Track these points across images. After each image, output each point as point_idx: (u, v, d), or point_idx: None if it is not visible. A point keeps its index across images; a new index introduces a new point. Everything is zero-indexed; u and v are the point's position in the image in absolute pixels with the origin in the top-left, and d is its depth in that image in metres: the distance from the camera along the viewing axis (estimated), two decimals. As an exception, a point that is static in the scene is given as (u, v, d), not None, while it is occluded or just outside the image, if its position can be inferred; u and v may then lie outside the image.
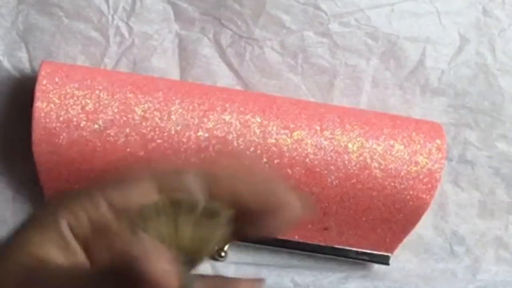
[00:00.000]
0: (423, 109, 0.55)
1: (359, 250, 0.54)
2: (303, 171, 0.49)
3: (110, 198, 0.26)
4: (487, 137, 0.55)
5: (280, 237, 0.53)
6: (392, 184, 0.50)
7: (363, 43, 0.53)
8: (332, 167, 0.49)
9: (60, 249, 0.25)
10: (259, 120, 0.49)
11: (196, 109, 0.49)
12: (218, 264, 0.53)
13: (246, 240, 0.54)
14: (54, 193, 0.51)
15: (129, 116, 0.48)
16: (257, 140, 0.49)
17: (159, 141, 0.48)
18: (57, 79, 0.48)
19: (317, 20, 0.52)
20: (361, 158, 0.49)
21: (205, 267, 0.54)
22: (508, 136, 0.56)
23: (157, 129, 0.48)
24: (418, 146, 0.50)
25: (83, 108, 0.48)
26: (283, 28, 0.52)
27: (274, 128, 0.49)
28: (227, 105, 0.49)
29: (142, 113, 0.48)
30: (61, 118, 0.47)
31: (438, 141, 0.50)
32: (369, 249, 0.54)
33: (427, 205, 0.50)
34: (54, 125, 0.47)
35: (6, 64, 0.51)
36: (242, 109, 0.49)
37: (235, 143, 0.49)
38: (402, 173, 0.50)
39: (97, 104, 0.48)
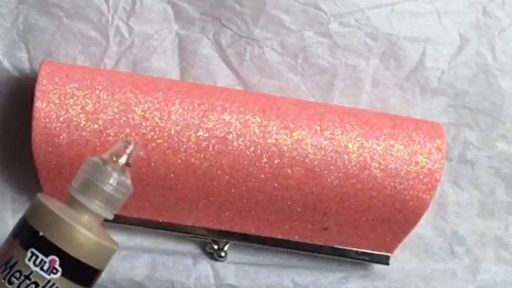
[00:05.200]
0: (423, 109, 0.55)
1: (359, 250, 0.54)
2: (303, 171, 0.49)
3: None
4: (487, 137, 0.56)
5: (280, 237, 0.53)
6: (392, 184, 0.50)
7: (363, 43, 0.53)
8: (332, 167, 0.49)
9: None
10: (259, 120, 0.49)
11: (196, 109, 0.49)
12: (218, 264, 0.53)
13: (246, 240, 0.54)
14: (54, 193, 0.51)
15: (129, 116, 0.48)
16: (257, 140, 0.49)
17: (159, 141, 0.48)
18: (57, 79, 0.48)
19: (317, 20, 0.52)
20: (361, 158, 0.49)
21: (205, 267, 0.55)
22: (508, 136, 0.56)
23: (157, 129, 0.48)
24: (418, 146, 0.50)
25: (83, 108, 0.48)
26: (283, 28, 0.52)
27: (274, 128, 0.49)
28: (227, 105, 0.49)
29: (142, 113, 0.48)
30: (61, 118, 0.47)
31: (438, 141, 0.50)
32: (369, 249, 0.54)
33: (427, 205, 0.50)
34: (54, 125, 0.47)
35: (6, 64, 0.52)
36: (242, 109, 0.49)
37: (235, 143, 0.49)
38: (402, 173, 0.50)
39: (97, 104, 0.48)
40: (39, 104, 0.47)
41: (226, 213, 0.51)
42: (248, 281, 0.53)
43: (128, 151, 0.39)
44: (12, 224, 0.54)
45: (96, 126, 0.48)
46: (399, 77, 0.54)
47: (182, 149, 0.48)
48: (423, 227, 0.56)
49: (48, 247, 0.35)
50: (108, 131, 0.48)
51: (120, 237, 0.54)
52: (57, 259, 0.35)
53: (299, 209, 0.51)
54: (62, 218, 0.35)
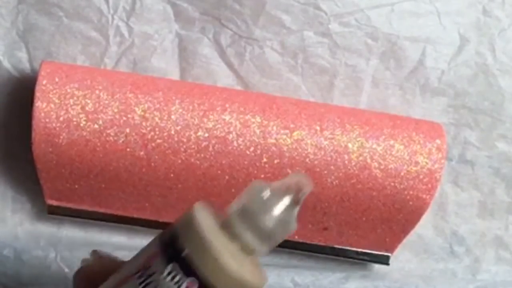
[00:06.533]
0: (423, 109, 0.55)
1: (359, 250, 0.54)
2: (303, 171, 0.49)
3: None
4: (487, 137, 0.56)
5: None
6: (392, 184, 0.50)
7: (363, 43, 0.53)
8: (332, 167, 0.49)
9: None
10: (259, 120, 0.49)
11: (196, 109, 0.49)
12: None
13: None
14: (54, 193, 0.51)
15: (129, 116, 0.48)
16: (257, 140, 0.49)
17: (159, 141, 0.48)
18: (57, 79, 0.48)
19: (317, 20, 0.52)
20: (361, 158, 0.49)
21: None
22: (508, 136, 0.56)
23: (157, 129, 0.48)
24: (418, 146, 0.50)
25: (83, 108, 0.48)
26: (283, 28, 0.52)
27: (274, 128, 0.49)
28: (227, 105, 0.49)
29: (142, 113, 0.48)
30: (61, 118, 0.47)
31: (438, 141, 0.50)
32: (369, 249, 0.54)
33: (427, 205, 0.50)
34: (54, 125, 0.47)
35: (6, 64, 0.52)
36: (242, 109, 0.49)
37: (235, 143, 0.49)
38: (402, 173, 0.50)
39: (97, 104, 0.48)
40: (39, 104, 0.47)
41: (226, 213, 0.51)
42: (248, 281, 0.53)
43: (301, 187, 0.33)
44: (12, 224, 0.54)
45: (96, 126, 0.48)
46: (399, 77, 0.54)
47: (182, 149, 0.48)
48: (423, 227, 0.56)
49: (189, 268, 0.32)
50: (108, 131, 0.48)
51: (120, 237, 0.55)
52: (196, 283, 0.31)
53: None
54: (211, 243, 0.32)
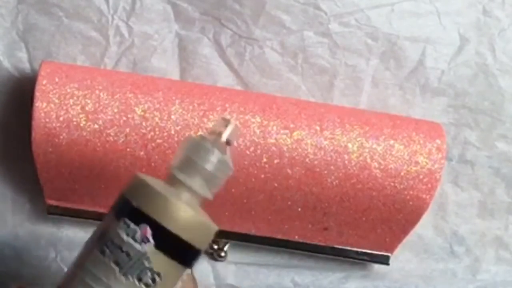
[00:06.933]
0: (423, 109, 0.55)
1: (359, 250, 0.54)
2: (303, 171, 0.49)
3: None
4: (487, 137, 0.56)
5: (280, 237, 0.53)
6: (392, 184, 0.50)
7: (363, 43, 0.53)
8: (332, 167, 0.49)
9: None
10: (259, 120, 0.49)
11: (196, 109, 0.49)
12: (218, 264, 0.53)
13: (246, 240, 0.54)
14: (54, 193, 0.51)
15: (129, 116, 0.48)
16: (257, 140, 0.49)
17: (159, 141, 0.48)
18: (57, 79, 0.48)
19: (317, 20, 0.52)
20: (361, 158, 0.49)
21: (205, 267, 0.55)
22: (508, 136, 0.56)
23: (157, 129, 0.48)
24: (418, 146, 0.50)
25: (83, 108, 0.48)
26: (283, 28, 0.52)
27: (274, 128, 0.49)
28: (227, 105, 0.49)
29: (142, 113, 0.48)
30: (61, 118, 0.47)
31: (438, 141, 0.50)
32: (369, 249, 0.54)
33: (427, 205, 0.50)
34: (54, 125, 0.47)
35: (6, 64, 0.52)
36: (242, 109, 0.49)
37: (235, 143, 0.49)
38: (402, 173, 0.50)
39: (97, 104, 0.48)
40: (39, 104, 0.47)
41: (226, 213, 0.51)
42: (248, 281, 0.53)
43: (229, 129, 0.36)
44: (12, 224, 0.54)
45: (96, 126, 0.48)
46: (399, 77, 0.54)
47: (182, 149, 0.48)
48: (423, 227, 0.56)
49: (140, 217, 0.33)
50: (108, 131, 0.48)
51: (120, 237, 0.54)
52: (148, 229, 0.33)
53: (299, 209, 0.51)
54: (158, 191, 0.34)
